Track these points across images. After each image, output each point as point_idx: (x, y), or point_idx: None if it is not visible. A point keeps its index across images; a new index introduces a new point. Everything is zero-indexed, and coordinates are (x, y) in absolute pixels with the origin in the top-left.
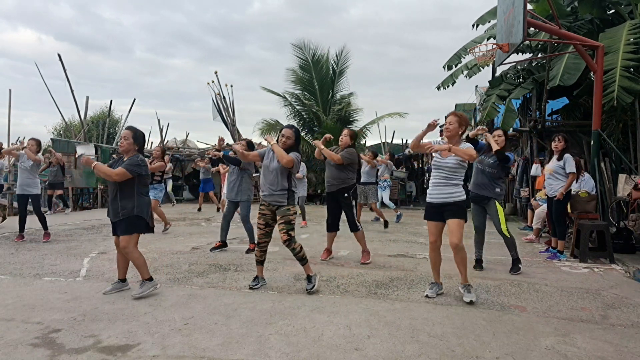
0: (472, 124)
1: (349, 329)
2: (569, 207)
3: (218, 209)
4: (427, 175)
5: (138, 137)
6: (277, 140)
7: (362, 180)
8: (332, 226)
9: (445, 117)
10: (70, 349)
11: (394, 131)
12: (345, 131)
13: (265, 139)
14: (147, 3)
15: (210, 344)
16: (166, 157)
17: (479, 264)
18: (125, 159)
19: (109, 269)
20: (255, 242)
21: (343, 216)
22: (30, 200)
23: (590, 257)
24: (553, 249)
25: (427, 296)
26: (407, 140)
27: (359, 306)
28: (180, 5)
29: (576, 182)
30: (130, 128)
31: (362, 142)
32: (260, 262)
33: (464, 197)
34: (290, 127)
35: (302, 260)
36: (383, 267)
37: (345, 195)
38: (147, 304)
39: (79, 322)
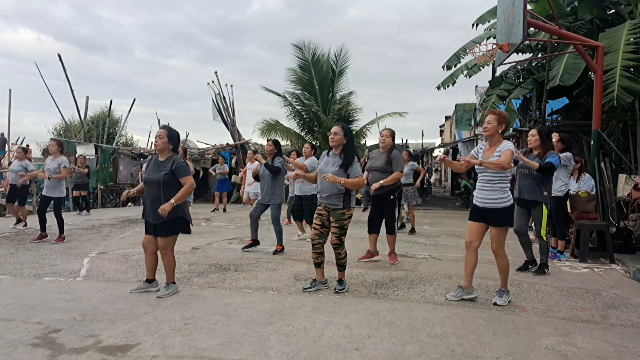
0: (472, 124)
1: (349, 329)
2: (569, 207)
3: (216, 210)
4: (427, 175)
5: (173, 136)
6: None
7: (401, 182)
8: (374, 228)
9: (446, 118)
10: (70, 349)
11: (394, 131)
12: (386, 132)
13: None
14: (145, 3)
15: (210, 344)
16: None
17: (526, 265)
18: (161, 159)
19: (109, 269)
20: (311, 243)
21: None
22: (52, 202)
23: (590, 257)
24: (553, 249)
25: (446, 298)
26: (407, 140)
27: (359, 306)
28: (179, 5)
29: (576, 182)
30: (164, 127)
31: (362, 142)
32: (318, 265)
33: (510, 202)
34: (338, 123)
35: (342, 266)
36: (383, 267)
37: (392, 197)
38: (147, 304)
39: (79, 322)
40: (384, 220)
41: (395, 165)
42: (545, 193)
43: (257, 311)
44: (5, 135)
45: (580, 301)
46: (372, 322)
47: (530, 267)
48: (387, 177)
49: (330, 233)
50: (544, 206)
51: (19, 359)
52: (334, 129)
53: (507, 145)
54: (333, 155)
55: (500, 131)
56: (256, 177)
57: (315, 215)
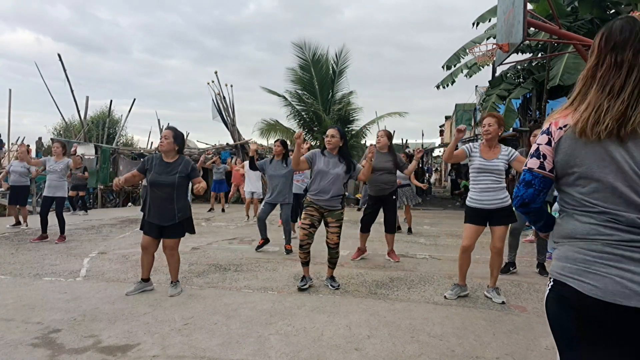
0: (472, 124)
1: (349, 329)
2: None
3: (211, 209)
4: (427, 175)
5: (178, 136)
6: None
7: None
8: (368, 228)
9: (446, 117)
10: (70, 349)
11: (394, 131)
12: (381, 132)
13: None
14: (142, 4)
15: (210, 344)
16: None
17: (507, 267)
18: (168, 160)
19: (109, 269)
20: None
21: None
22: (55, 202)
23: None
24: (553, 249)
25: (445, 297)
26: (406, 140)
27: (359, 306)
28: (176, 6)
29: None
30: (170, 128)
31: (362, 141)
32: (306, 263)
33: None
34: (333, 126)
35: (335, 264)
36: (383, 267)
37: (394, 197)
38: (147, 304)
39: (79, 322)
40: (384, 219)
41: (403, 165)
42: None
43: (257, 311)
44: (4, 137)
45: None
46: (372, 322)
47: (511, 269)
48: (391, 177)
49: (329, 233)
50: None
51: (19, 359)
52: (332, 131)
53: (514, 152)
54: (331, 156)
55: (500, 133)
56: (252, 165)
57: (304, 216)
